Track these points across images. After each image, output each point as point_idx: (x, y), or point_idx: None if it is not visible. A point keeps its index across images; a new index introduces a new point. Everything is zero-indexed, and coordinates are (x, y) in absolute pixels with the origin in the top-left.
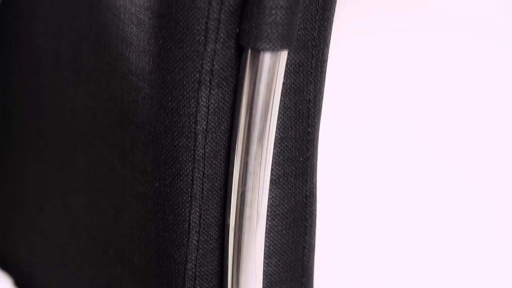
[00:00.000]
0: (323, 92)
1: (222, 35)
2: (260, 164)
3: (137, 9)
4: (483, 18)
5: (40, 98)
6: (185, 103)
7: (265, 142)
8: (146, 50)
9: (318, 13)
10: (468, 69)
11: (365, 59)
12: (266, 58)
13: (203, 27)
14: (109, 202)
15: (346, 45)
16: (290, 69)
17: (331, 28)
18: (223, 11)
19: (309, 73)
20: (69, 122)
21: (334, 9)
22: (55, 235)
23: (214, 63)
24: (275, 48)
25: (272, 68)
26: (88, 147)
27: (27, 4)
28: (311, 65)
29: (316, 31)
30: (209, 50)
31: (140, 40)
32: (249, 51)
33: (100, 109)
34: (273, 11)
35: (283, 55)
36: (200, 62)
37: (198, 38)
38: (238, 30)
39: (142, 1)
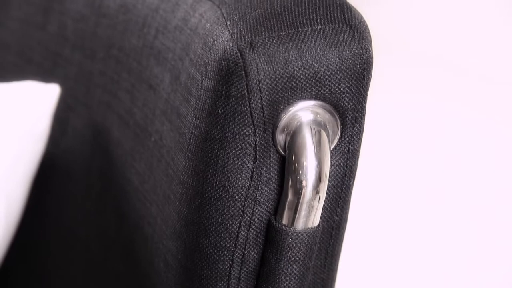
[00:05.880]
0: None
1: None
2: None
3: (161, 239)
4: (455, 56)
5: (70, 276)
6: None
7: None
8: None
9: (327, 261)
10: (441, 101)
11: None
12: None
13: (225, 285)
14: None
15: None
16: None
17: (337, 266)
18: (243, 271)
19: None
20: None
21: (340, 256)
22: None
23: None
24: None
25: None
26: None
27: (59, 185)
28: None
29: (325, 274)
30: None
31: (168, 278)
32: None
33: None
34: (288, 277)
35: None
36: None
37: None
38: (255, 284)
39: (169, 231)
